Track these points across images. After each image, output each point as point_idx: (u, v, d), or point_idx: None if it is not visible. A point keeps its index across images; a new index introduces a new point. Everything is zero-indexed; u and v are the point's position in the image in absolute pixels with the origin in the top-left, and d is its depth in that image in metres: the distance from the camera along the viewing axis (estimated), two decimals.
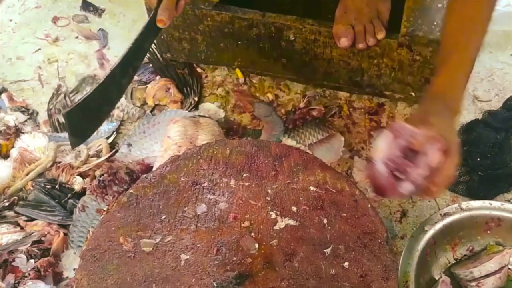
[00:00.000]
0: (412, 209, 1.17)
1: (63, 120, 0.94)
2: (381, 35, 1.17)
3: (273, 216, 0.83)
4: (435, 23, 1.16)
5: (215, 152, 0.91)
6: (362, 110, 1.33)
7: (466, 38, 0.91)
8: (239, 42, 1.31)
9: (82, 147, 1.22)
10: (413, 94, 1.29)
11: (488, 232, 1.02)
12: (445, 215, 1.01)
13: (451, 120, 0.87)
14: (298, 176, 0.88)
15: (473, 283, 0.97)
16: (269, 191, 0.86)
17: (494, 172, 1.20)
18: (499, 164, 1.21)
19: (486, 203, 1.02)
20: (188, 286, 0.76)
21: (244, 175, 0.88)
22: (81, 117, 0.94)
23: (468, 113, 1.33)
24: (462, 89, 0.92)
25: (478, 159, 1.22)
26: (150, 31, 0.98)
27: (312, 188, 0.87)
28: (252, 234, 0.81)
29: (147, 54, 1.39)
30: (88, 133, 1.03)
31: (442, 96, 0.88)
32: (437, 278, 1.01)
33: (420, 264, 0.97)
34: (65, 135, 1.29)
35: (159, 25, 0.96)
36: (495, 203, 1.01)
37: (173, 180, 0.87)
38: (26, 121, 1.33)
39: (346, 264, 0.79)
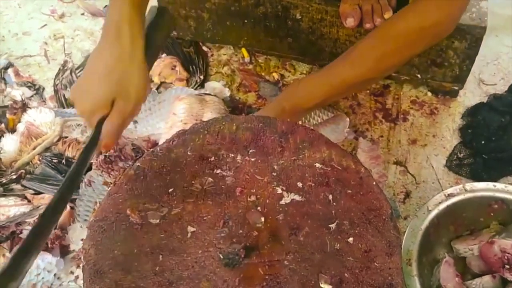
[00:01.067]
0: (416, 190, 1.18)
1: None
2: (388, 15, 1.16)
3: (279, 191, 0.84)
4: None
5: (221, 128, 0.91)
6: (368, 91, 1.34)
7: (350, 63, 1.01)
8: (245, 21, 1.30)
9: None
10: (419, 76, 1.29)
11: (492, 214, 1.03)
12: (449, 195, 1.02)
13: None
14: (304, 153, 0.89)
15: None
16: (275, 167, 0.87)
17: (498, 155, 1.21)
18: (503, 147, 1.22)
19: (490, 185, 1.03)
20: (195, 258, 0.77)
21: (251, 150, 0.89)
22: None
23: (474, 96, 1.33)
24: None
25: (483, 142, 1.23)
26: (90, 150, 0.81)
27: (317, 165, 0.87)
28: (258, 208, 0.81)
29: None
30: None
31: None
32: (440, 258, 1.02)
33: (423, 243, 0.98)
34: (71, 110, 1.30)
35: (105, 150, 0.95)
36: (499, 185, 1.02)
37: (180, 154, 0.88)
38: (32, 96, 1.33)
39: (350, 239, 0.79)
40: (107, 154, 1.15)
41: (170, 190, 0.83)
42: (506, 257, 0.93)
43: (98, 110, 0.81)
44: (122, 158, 1.15)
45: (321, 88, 1.04)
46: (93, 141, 0.80)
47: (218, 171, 0.86)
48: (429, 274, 1.01)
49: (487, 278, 0.96)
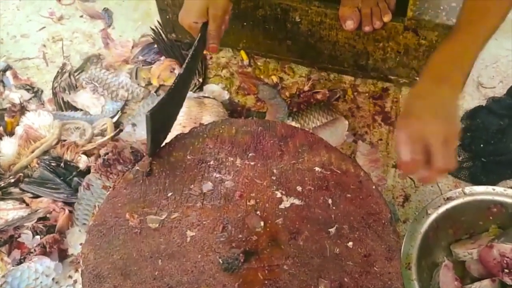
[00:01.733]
0: (415, 194, 1.18)
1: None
2: (387, 18, 1.16)
3: (279, 195, 0.84)
4: (441, 8, 1.15)
5: (221, 131, 0.91)
6: (367, 94, 1.33)
7: (479, 17, 0.89)
8: (245, 23, 1.30)
9: (86, 125, 1.23)
10: (417, 78, 1.28)
11: (491, 217, 1.03)
12: (448, 199, 1.02)
13: (453, 102, 0.86)
14: (303, 157, 0.89)
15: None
16: (275, 170, 0.87)
17: (497, 158, 1.20)
18: (502, 150, 1.21)
19: (489, 188, 1.02)
20: (194, 263, 0.77)
21: (250, 154, 0.89)
22: (160, 120, 0.88)
23: (472, 99, 1.33)
24: (465, 67, 0.89)
25: (481, 145, 1.22)
26: (198, 52, 1.03)
27: (317, 168, 0.87)
28: (258, 212, 0.81)
29: (152, 34, 1.40)
30: (162, 139, 0.93)
31: (442, 74, 0.86)
32: (439, 262, 1.01)
33: (423, 247, 0.97)
34: (70, 113, 1.29)
35: (212, 52, 1.08)
36: (498, 189, 1.02)
37: (179, 158, 0.88)
38: (31, 99, 1.33)
39: (350, 243, 0.79)
40: (105, 157, 1.14)
41: (169, 194, 0.83)
42: (505, 261, 0.93)
43: (198, 18, 1.03)
44: (121, 161, 1.15)
45: (467, 59, 0.89)
46: (202, 40, 1.03)
47: (218, 175, 0.86)
48: (428, 278, 1.01)
49: (486, 282, 0.96)
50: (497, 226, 1.04)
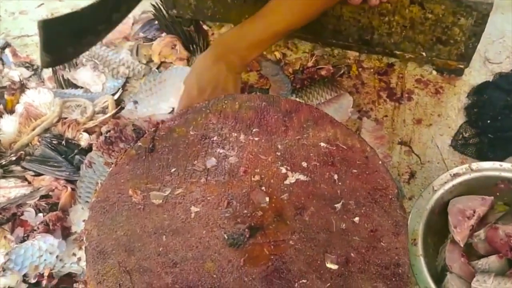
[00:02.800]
0: (421, 170, 1.17)
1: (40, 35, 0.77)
2: None
3: (284, 171, 0.82)
4: None
5: (224, 107, 0.89)
6: (372, 70, 1.31)
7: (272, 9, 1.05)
8: None
9: (87, 103, 1.21)
10: (423, 53, 1.26)
11: (497, 194, 1.01)
12: (455, 175, 1.00)
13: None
14: (308, 132, 0.87)
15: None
16: (279, 146, 0.85)
17: (504, 134, 1.19)
18: (509, 126, 1.20)
19: (496, 164, 1.01)
20: (199, 238, 0.76)
21: (254, 130, 0.87)
22: (60, 32, 0.82)
23: (479, 75, 1.31)
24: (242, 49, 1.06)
25: (488, 121, 1.21)
26: None
27: (322, 144, 0.86)
28: (263, 188, 0.80)
29: (153, 11, 1.37)
30: (63, 55, 0.91)
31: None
32: (445, 239, 1.01)
33: (429, 223, 0.97)
34: (71, 91, 1.28)
35: None
36: (505, 165, 1.00)
37: (182, 133, 0.86)
38: (30, 76, 1.31)
39: (356, 219, 0.78)
40: (107, 135, 1.13)
41: (173, 170, 0.82)
42: None
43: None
44: (123, 139, 1.14)
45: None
46: None
47: (221, 150, 0.84)
48: (434, 254, 1.00)
49: (493, 258, 0.95)
50: (503, 203, 1.03)
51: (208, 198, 0.79)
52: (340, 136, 0.87)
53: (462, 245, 0.96)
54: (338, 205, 0.79)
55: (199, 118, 0.88)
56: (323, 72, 1.29)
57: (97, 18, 0.87)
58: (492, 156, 1.16)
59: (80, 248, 1.04)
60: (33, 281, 0.99)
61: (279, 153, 0.84)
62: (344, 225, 0.78)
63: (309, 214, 0.78)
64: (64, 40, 0.85)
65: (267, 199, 0.79)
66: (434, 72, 1.31)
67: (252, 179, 0.81)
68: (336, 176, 0.83)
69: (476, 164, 1.01)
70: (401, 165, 1.17)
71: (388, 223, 0.78)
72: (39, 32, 0.79)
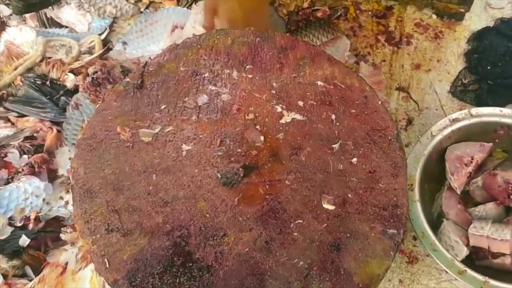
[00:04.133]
0: (418, 117, 1.14)
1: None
2: None
3: (279, 110, 0.79)
4: None
5: (215, 42, 0.84)
6: (370, 12, 1.26)
7: None
8: None
9: (73, 42, 1.15)
10: None
11: (496, 140, 0.99)
12: (454, 120, 0.98)
13: None
14: (304, 70, 0.83)
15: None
16: (274, 84, 0.81)
17: (504, 81, 1.16)
18: (509, 73, 1.17)
19: (496, 109, 0.99)
20: (191, 177, 0.73)
21: (247, 66, 0.83)
22: None
23: (480, 20, 1.27)
24: None
25: (488, 68, 1.18)
26: None
27: (319, 82, 0.82)
28: (257, 126, 0.77)
29: None
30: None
31: None
32: (442, 186, 0.99)
33: (426, 169, 0.95)
34: (55, 30, 1.21)
35: None
36: (506, 110, 0.98)
37: (172, 69, 0.82)
38: (11, 14, 1.24)
39: (354, 160, 0.76)
40: (94, 76, 1.08)
41: (163, 107, 0.78)
42: (510, 188, 0.91)
43: None
44: (111, 80, 1.09)
45: None
46: None
47: (213, 87, 0.80)
48: (430, 201, 0.98)
49: (490, 205, 0.93)
50: (502, 150, 1.01)
51: (200, 136, 0.76)
52: (338, 75, 0.83)
53: (459, 192, 0.94)
54: (336, 146, 0.76)
55: (189, 53, 0.83)
56: (319, 14, 1.24)
57: None
58: (491, 103, 1.13)
59: (68, 192, 1.00)
60: (19, 224, 0.96)
61: (274, 91, 0.81)
62: (341, 166, 0.75)
63: (306, 154, 0.75)
64: None
65: (262, 138, 0.75)
66: (434, 16, 1.26)
67: (246, 117, 0.78)
68: (333, 116, 0.79)
69: (476, 110, 0.99)
70: (399, 112, 1.14)
71: (386, 164, 0.76)
72: None
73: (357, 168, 0.75)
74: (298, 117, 0.79)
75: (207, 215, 0.70)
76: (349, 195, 0.73)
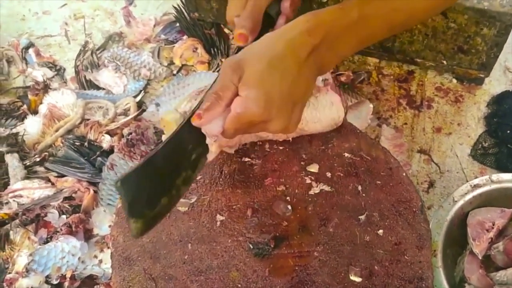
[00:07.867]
0: (440, 180, 1.17)
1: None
2: None
3: (308, 181, 0.83)
4: None
5: None
6: (392, 77, 1.31)
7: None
8: None
9: (109, 104, 1.22)
10: (444, 62, 1.26)
11: None
12: (475, 186, 1.00)
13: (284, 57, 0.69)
14: (332, 142, 0.87)
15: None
16: (304, 156, 0.86)
17: None
18: None
19: None
20: (224, 247, 0.76)
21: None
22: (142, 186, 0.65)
23: (499, 84, 1.31)
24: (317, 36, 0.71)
25: (508, 132, 1.21)
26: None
27: (346, 154, 0.86)
28: (288, 198, 0.81)
29: (174, 13, 1.38)
30: (157, 212, 0.68)
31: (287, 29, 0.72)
32: (464, 250, 1.01)
33: (448, 234, 0.97)
34: (93, 92, 1.29)
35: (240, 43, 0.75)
36: None
37: None
38: (53, 77, 1.33)
39: (380, 231, 0.79)
40: (129, 137, 1.14)
41: (199, 177, 0.83)
42: None
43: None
44: (144, 141, 1.15)
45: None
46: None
47: (247, 159, 0.85)
48: (452, 265, 1.00)
49: (511, 271, 0.95)
50: None
51: (234, 207, 0.80)
52: (364, 147, 0.87)
53: (480, 257, 0.96)
54: (362, 217, 0.80)
55: None
56: (342, 78, 1.29)
57: (178, 155, 0.70)
58: (511, 167, 1.16)
59: (102, 251, 1.05)
60: (55, 282, 1.01)
61: (303, 163, 0.85)
62: (368, 237, 0.78)
63: (333, 225, 0.79)
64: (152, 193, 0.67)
65: (290, 208, 0.79)
66: (454, 81, 1.31)
67: (277, 188, 0.82)
68: (360, 187, 0.83)
69: (497, 176, 1.01)
70: (420, 174, 1.17)
71: (412, 236, 0.79)
72: (120, 194, 0.63)
73: (383, 239, 0.78)
74: (326, 188, 0.83)
75: (239, 285, 0.74)
76: (376, 267, 0.75)
